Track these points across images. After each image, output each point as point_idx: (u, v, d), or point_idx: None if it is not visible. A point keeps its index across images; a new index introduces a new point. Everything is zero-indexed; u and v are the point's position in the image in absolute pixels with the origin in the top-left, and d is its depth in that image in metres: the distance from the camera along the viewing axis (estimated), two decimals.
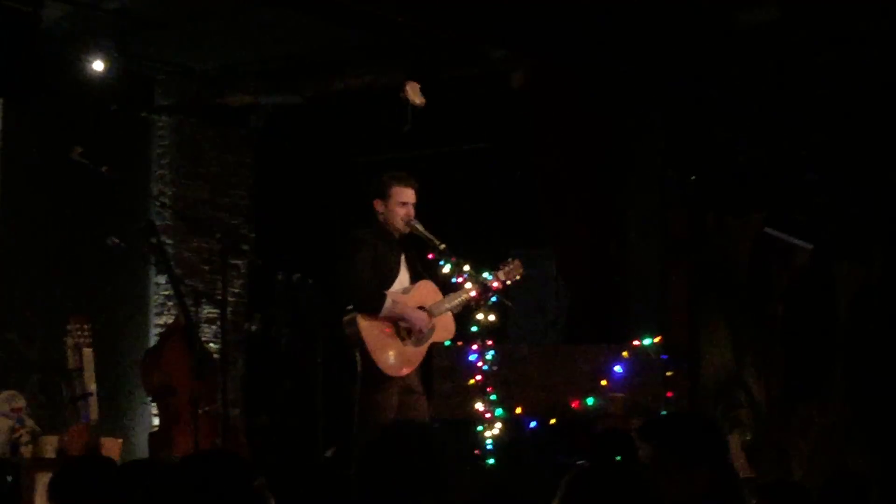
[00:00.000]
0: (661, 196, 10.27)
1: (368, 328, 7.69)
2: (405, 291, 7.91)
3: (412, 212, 7.92)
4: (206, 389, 7.90)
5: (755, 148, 10.00)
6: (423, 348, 7.93)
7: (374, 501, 3.80)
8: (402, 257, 7.97)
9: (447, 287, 8.22)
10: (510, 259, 8.42)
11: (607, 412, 9.44)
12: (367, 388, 7.68)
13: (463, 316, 8.43)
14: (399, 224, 7.89)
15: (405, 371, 7.80)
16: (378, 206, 7.93)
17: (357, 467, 4.16)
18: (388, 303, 7.75)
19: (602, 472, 3.87)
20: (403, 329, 7.80)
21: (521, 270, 8.40)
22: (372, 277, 7.78)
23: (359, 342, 7.67)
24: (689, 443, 4.43)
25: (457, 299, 8.13)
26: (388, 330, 7.76)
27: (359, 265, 7.76)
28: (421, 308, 7.90)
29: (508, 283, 8.35)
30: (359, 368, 7.70)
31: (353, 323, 7.70)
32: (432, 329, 7.93)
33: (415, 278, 8.00)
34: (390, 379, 7.71)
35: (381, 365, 7.66)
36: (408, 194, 7.91)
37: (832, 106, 9.59)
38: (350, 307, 7.76)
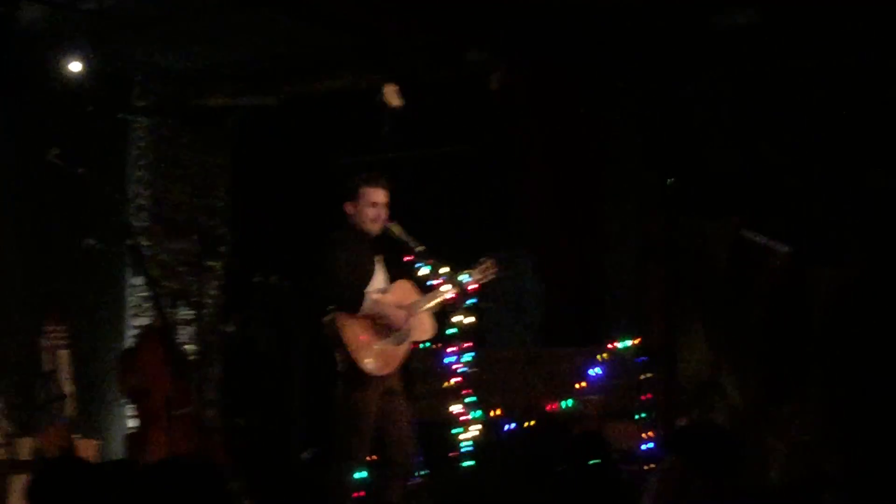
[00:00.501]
0: (638, 198, 10.29)
1: (349, 327, 7.68)
2: (382, 292, 7.91)
3: (382, 213, 7.91)
4: (183, 391, 7.88)
5: (732, 151, 10.02)
6: (404, 348, 7.93)
7: None
8: (378, 258, 7.97)
9: (426, 286, 8.21)
10: (483, 259, 8.42)
11: (584, 414, 9.44)
12: (347, 389, 7.68)
13: (440, 318, 8.42)
14: (369, 225, 7.88)
15: (386, 371, 7.80)
16: (348, 208, 7.93)
17: None
18: (367, 301, 7.74)
19: (580, 476, 3.89)
20: (383, 328, 7.80)
21: (494, 269, 8.41)
22: (349, 277, 7.77)
23: (339, 342, 7.67)
24: (716, 455, 4.49)
25: (435, 299, 8.14)
26: (369, 329, 7.75)
27: (335, 265, 7.76)
28: (399, 307, 7.90)
29: (483, 281, 8.35)
30: (339, 369, 7.70)
31: (334, 322, 7.69)
32: (412, 328, 7.93)
33: (391, 279, 8.00)
34: (371, 379, 7.71)
35: (361, 365, 7.66)
36: (377, 195, 7.90)
37: (810, 109, 9.62)
38: (330, 307, 7.75)
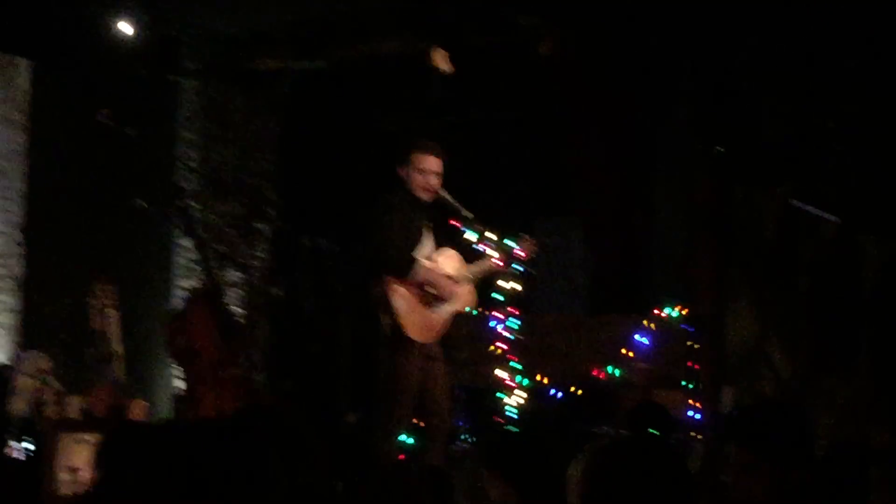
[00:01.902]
0: (687, 167, 10.24)
1: (396, 292, 7.69)
2: (429, 258, 7.91)
3: (433, 181, 7.87)
4: (231, 353, 7.93)
5: (782, 119, 9.96)
6: (446, 316, 7.93)
7: None
8: (427, 225, 7.96)
9: (471, 255, 8.21)
10: (524, 235, 8.38)
11: (630, 382, 9.44)
12: (391, 353, 7.70)
13: (486, 284, 8.42)
14: (418, 191, 7.87)
15: (428, 337, 7.81)
16: (401, 172, 7.91)
17: None
18: (416, 267, 7.75)
19: (637, 445, 3.75)
20: (429, 295, 7.80)
21: (534, 246, 8.37)
22: (400, 241, 7.77)
23: (386, 305, 7.67)
24: (782, 443, 4.09)
25: (482, 269, 8.12)
26: (415, 295, 7.76)
27: (387, 228, 7.76)
28: (446, 276, 7.90)
29: (526, 258, 8.33)
30: (385, 332, 7.71)
31: (382, 285, 7.70)
32: (456, 297, 7.93)
33: (438, 246, 7.99)
34: (414, 344, 7.72)
35: (406, 329, 7.67)
36: (428, 162, 7.87)
37: (860, 77, 9.54)
38: (379, 271, 7.76)
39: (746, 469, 4.09)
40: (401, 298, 7.70)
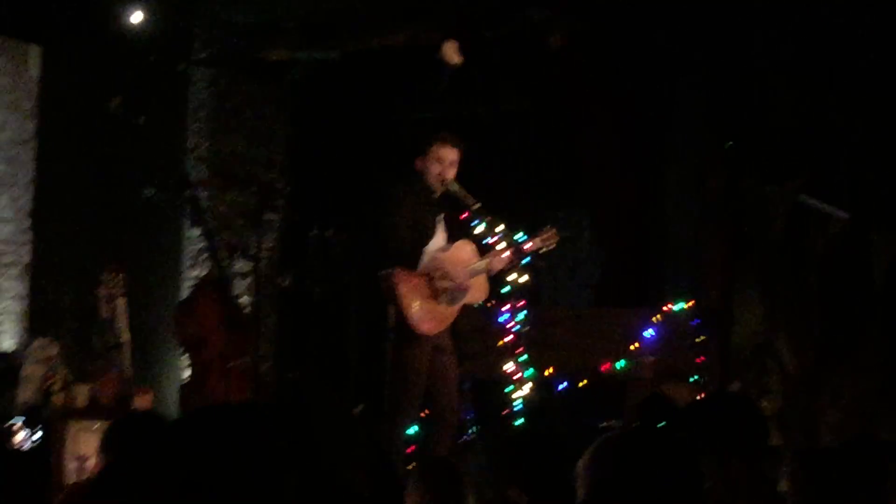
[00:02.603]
0: (698, 161, 10.24)
1: (404, 283, 7.68)
2: (442, 251, 7.89)
3: (448, 171, 7.87)
4: (238, 343, 7.93)
5: (793, 115, 9.95)
6: (456, 308, 7.92)
7: None
8: (440, 217, 7.95)
9: (483, 248, 8.19)
10: (548, 226, 8.37)
11: (638, 376, 9.43)
12: (399, 344, 7.70)
13: (496, 276, 8.41)
14: (433, 181, 7.87)
15: (435, 329, 7.80)
16: (418, 162, 7.91)
17: None
18: (426, 258, 7.74)
19: (643, 438, 3.72)
20: (439, 288, 7.79)
21: (556, 238, 8.36)
22: (409, 233, 7.77)
23: (394, 297, 7.67)
24: (725, 432, 4.05)
25: (492, 263, 8.10)
26: (424, 287, 7.75)
27: (398, 219, 7.76)
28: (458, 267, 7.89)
29: (543, 249, 8.30)
30: (392, 324, 7.70)
31: (390, 277, 7.69)
32: (467, 289, 7.91)
33: (451, 239, 7.98)
34: (422, 336, 7.72)
35: (412, 321, 7.66)
36: (445, 152, 7.87)
37: (872, 73, 9.53)
38: (388, 262, 7.76)
39: (718, 468, 4.04)
40: (408, 290, 7.69)
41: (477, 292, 8.05)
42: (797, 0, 9.28)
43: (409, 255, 7.74)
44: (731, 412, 4.19)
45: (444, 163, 7.85)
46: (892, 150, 9.61)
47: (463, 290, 7.86)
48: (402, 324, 7.68)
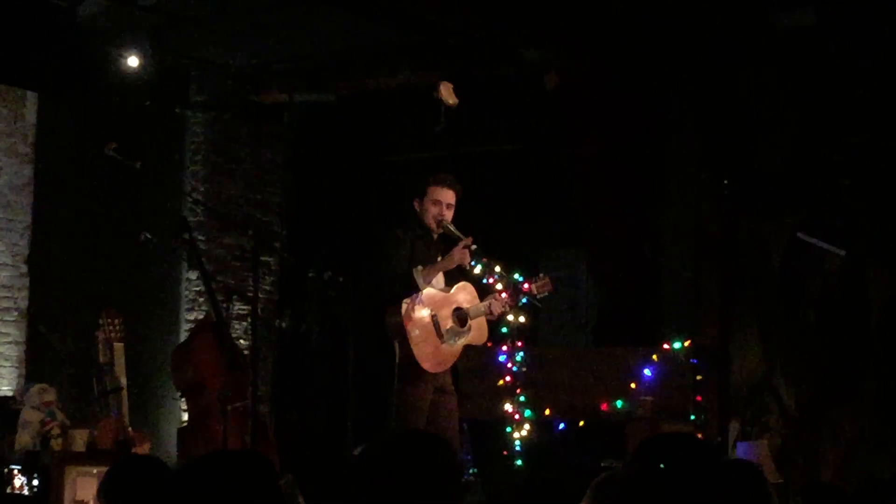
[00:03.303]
0: (695, 199, 10.25)
1: (413, 320, 7.67)
2: (443, 292, 7.88)
3: (446, 212, 7.87)
4: (236, 386, 7.90)
5: (789, 152, 9.97)
6: (458, 349, 7.90)
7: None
8: (439, 258, 7.94)
9: (482, 290, 8.17)
10: (541, 275, 8.36)
11: (636, 415, 9.42)
12: (403, 383, 7.67)
13: (495, 322, 8.39)
14: (430, 222, 7.87)
15: (439, 368, 7.79)
16: (416, 204, 7.92)
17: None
18: (419, 277, 7.72)
19: (644, 477, 3.67)
20: (442, 329, 7.77)
21: (550, 287, 8.35)
22: (409, 272, 7.75)
23: (401, 333, 7.65)
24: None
25: (491, 308, 8.06)
26: (429, 328, 7.74)
27: (395, 262, 7.76)
28: (458, 309, 7.87)
29: (538, 296, 8.27)
30: (397, 360, 7.67)
31: (399, 313, 7.67)
32: (469, 330, 7.90)
33: (450, 281, 7.97)
34: (425, 375, 7.70)
35: (418, 358, 7.65)
36: (442, 194, 7.88)
37: (866, 110, 9.56)
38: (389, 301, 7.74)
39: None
40: (415, 327, 7.69)
41: (478, 334, 8.04)
42: (792, 40, 9.31)
43: (407, 290, 7.74)
44: (738, 483, 4.07)
45: (442, 204, 7.86)
46: (888, 187, 9.64)
47: (464, 264, 7.85)
48: (406, 361, 7.66)
